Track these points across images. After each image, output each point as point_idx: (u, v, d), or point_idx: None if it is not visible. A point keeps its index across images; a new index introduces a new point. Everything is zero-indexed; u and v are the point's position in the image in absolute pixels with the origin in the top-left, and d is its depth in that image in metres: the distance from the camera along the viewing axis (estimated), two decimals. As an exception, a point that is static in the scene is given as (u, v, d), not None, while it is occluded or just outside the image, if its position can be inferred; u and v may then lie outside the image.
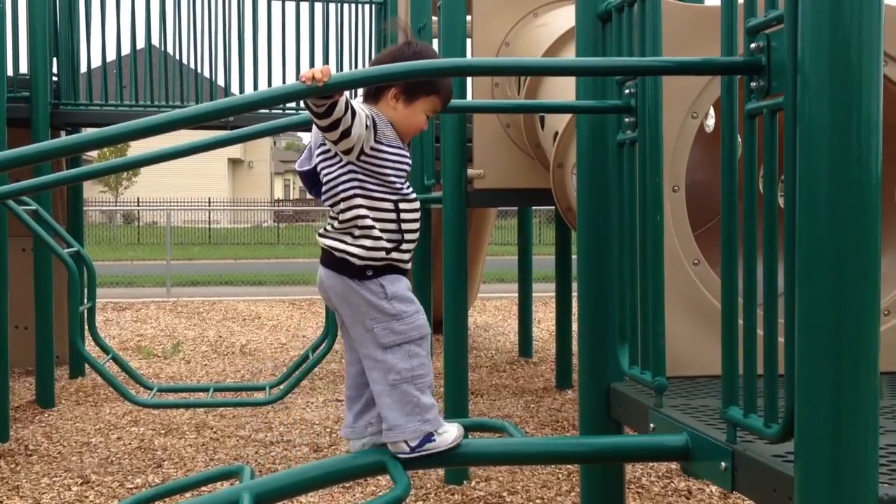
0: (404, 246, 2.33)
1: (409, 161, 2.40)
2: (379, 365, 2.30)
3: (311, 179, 2.42)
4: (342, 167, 2.31)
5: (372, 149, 2.29)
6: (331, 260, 2.33)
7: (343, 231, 2.32)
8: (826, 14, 1.76)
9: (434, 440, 2.31)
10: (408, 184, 2.38)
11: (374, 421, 2.37)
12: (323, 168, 2.36)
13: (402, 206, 2.33)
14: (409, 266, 2.38)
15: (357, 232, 2.30)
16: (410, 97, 2.36)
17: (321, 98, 2.13)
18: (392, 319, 2.29)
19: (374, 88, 2.38)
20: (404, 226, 2.33)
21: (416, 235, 2.37)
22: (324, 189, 2.35)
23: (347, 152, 2.28)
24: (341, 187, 2.30)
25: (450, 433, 2.34)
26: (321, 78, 2.07)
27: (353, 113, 2.21)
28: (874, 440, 1.79)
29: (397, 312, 2.30)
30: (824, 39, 1.76)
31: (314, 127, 2.38)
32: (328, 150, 2.34)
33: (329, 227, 2.35)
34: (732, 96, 2.22)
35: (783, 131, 1.93)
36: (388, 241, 2.30)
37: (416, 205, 2.38)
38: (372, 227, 2.29)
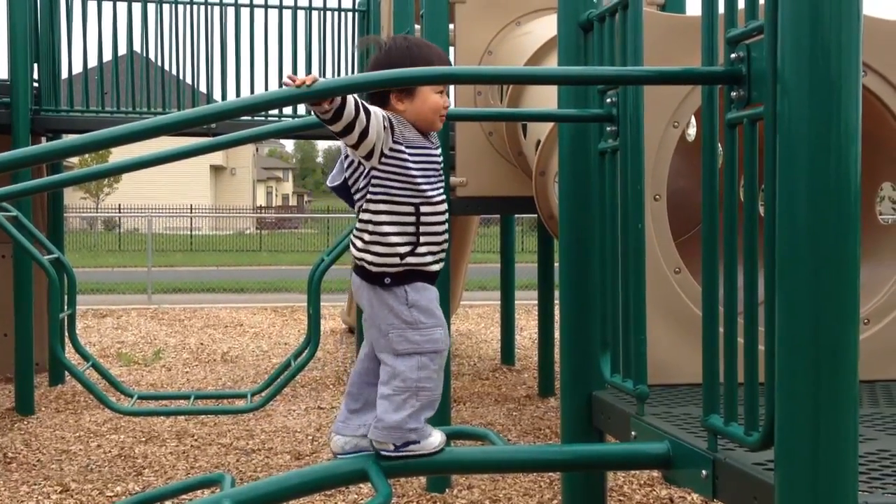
0: (420, 249, 2.32)
1: (437, 157, 2.38)
2: (388, 368, 2.32)
3: (344, 192, 2.41)
4: (366, 175, 2.31)
5: (391, 150, 2.29)
6: (355, 267, 2.37)
7: (356, 235, 2.34)
8: (806, 24, 1.78)
9: (419, 442, 2.32)
10: (438, 184, 2.37)
11: (368, 424, 2.38)
12: (353, 179, 2.35)
13: (423, 209, 2.32)
14: (435, 269, 2.36)
15: (367, 237, 2.31)
16: (410, 90, 2.35)
17: (322, 105, 2.12)
18: (408, 327, 2.30)
19: (378, 98, 2.37)
20: (423, 228, 2.32)
21: (437, 238, 2.35)
22: (356, 199, 2.36)
23: (369, 156, 2.27)
24: (370, 194, 2.31)
25: (433, 438, 2.35)
26: (304, 81, 2.06)
27: (368, 113, 2.21)
28: (853, 448, 1.80)
29: (414, 321, 2.30)
30: (804, 49, 1.78)
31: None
32: (353, 161, 2.34)
33: (353, 234, 2.38)
34: (713, 106, 2.23)
35: (763, 141, 1.95)
36: (403, 244, 2.30)
37: (441, 207, 2.36)
38: (386, 234, 2.29)
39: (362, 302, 2.37)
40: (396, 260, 2.30)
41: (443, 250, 2.38)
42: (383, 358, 2.33)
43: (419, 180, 2.31)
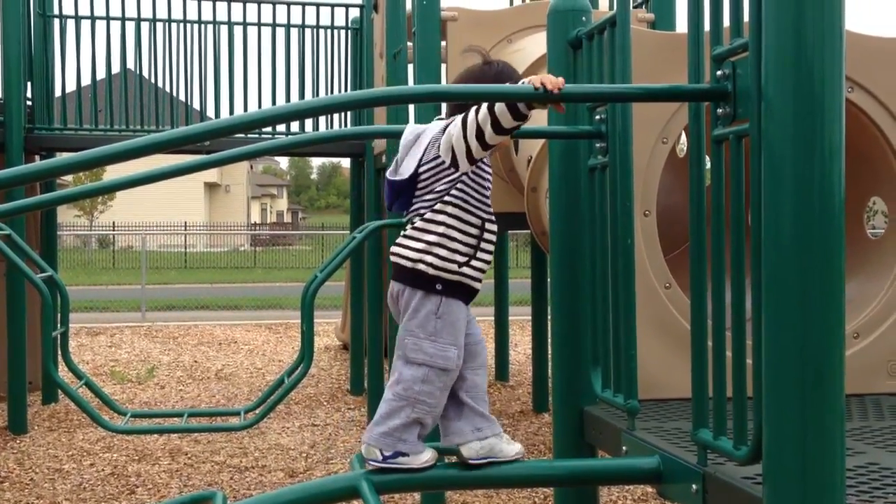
0: (475, 263, 2.36)
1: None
2: (395, 373, 2.36)
3: (399, 190, 2.43)
4: (451, 179, 2.35)
5: (482, 161, 2.37)
6: (403, 272, 2.37)
7: (415, 236, 2.35)
8: (789, 42, 1.80)
9: (408, 455, 2.33)
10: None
11: (480, 426, 2.44)
12: (431, 179, 2.37)
13: (487, 226, 2.39)
14: (478, 287, 2.39)
15: (432, 238, 2.34)
16: None
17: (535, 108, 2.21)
18: (426, 337, 2.32)
19: (458, 111, 2.41)
20: (483, 244, 2.38)
21: (489, 257, 2.41)
22: (424, 197, 2.37)
23: (473, 161, 2.33)
24: (449, 196, 2.35)
25: (423, 454, 2.36)
26: (555, 86, 2.14)
27: None
28: (841, 461, 1.81)
29: (435, 332, 2.33)
30: (787, 66, 1.80)
31: (408, 140, 2.42)
32: (442, 163, 2.36)
33: (405, 235, 2.39)
34: (700, 122, 2.25)
35: (749, 157, 1.96)
36: (463, 254, 2.34)
37: (495, 227, 2.43)
38: (454, 239, 2.34)
39: (397, 308, 2.39)
40: (454, 267, 2.34)
41: (486, 270, 2.43)
42: (395, 363, 2.37)
43: (488, 194, 2.40)
